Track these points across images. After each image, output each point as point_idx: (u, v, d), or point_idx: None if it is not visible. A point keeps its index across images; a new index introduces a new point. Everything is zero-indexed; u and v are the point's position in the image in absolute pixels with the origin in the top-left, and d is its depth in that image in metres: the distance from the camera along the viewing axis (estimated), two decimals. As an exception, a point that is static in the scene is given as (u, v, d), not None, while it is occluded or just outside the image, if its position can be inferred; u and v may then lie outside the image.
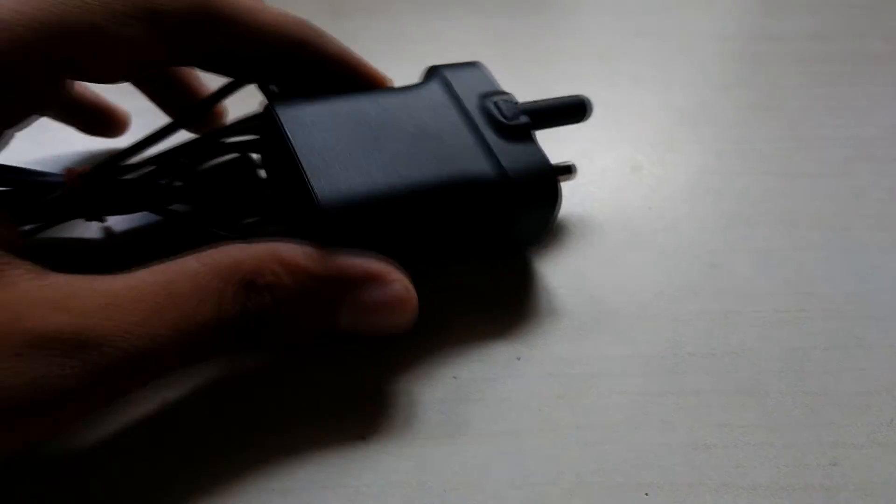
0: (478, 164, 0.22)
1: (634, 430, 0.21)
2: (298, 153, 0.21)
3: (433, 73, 0.25)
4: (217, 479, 0.19)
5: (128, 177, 0.23)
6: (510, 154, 0.23)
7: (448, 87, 0.24)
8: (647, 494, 0.20)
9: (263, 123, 0.23)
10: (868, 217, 0.27)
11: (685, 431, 0.21)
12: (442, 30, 0.35)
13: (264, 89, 0.24)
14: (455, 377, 0.22)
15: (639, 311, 0.24)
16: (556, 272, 0.25)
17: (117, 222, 0.25)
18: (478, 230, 0.23)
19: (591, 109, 0.26)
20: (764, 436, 0.21)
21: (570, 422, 0.21)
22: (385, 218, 0.21)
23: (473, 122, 0.23)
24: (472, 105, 0.24)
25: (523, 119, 0.23)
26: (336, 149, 0.21)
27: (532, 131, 0.23)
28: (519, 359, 0.22)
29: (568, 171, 0.24)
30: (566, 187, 0.24)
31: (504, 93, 0.24)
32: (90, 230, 0.25)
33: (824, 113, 0.31)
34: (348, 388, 0.21)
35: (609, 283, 0.25)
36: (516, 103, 0.24)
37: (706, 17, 0.37)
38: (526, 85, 0.32)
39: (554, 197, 0.23)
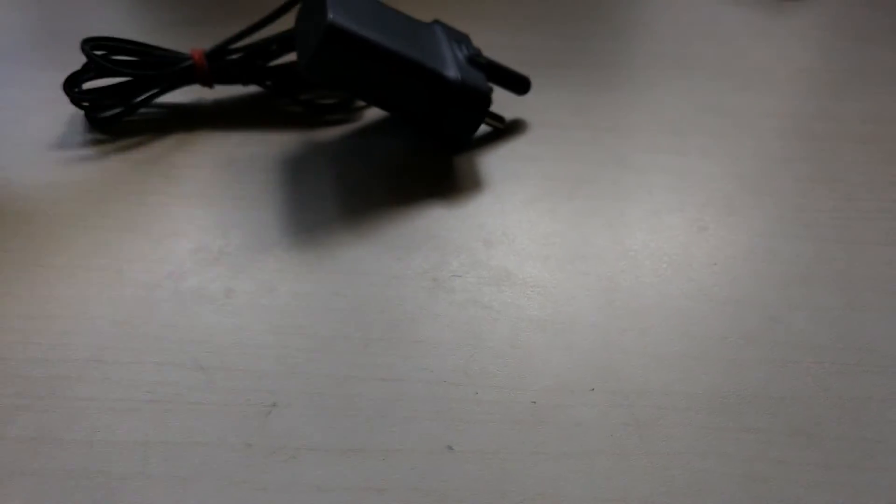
0: (446, 69, 0.32)
1: (697, 460, 0.23)
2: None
3: (438, 22, 0.36)
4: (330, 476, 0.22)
5: (232, 57, 0.36)
6: (469, 75, 0.33)
7: (445, 29, 0.35)
8: (709, 518, 0.21)
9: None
10: (923, 283, 0.29)
11: (745, 464, 0.23)
12: (529, 100, 0.38)
13: None
14: (534, 402, 0.24)
15: (702, 355, 0.26)
16: (628, 313, 0.27)
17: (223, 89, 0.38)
18: (421, 106, 0.32)
19: (529, 88, 0.37)
20: (821, 474, 0.23)
21: (638, 448, 0.23)
22: (370, 57, 0.30)
23: (454, 49, 0.34)
24: (455, 43, 0.35)
25: (483, 60, 0.34)
26: (356, 9, 0.31)
27: (486, 73, 0.35)
28: (592, 390, 0.25)
29: (500, 119, 0.36)
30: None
31: (478, 49, 0.35)
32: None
33: (881, 187, 0.33)
34: (437, 401, 0.24)
35: (675, 327, 0.27)
36: (481, 55, 0.35)
37: (770, 98, 0.39)
38: (605, 149, 0.35)
39: (480, 111, 0.33)
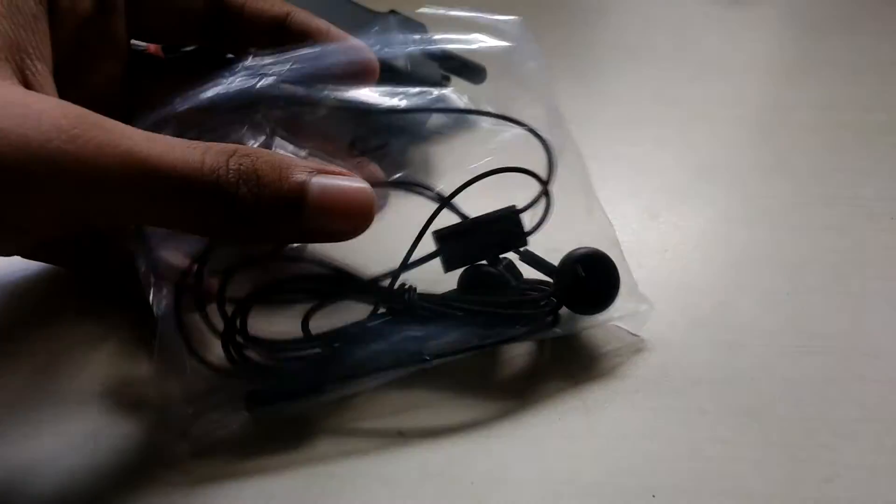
0: (395, 59, 0.30)
1: (643, 441, 0.23)
2: None
3: (394, 12, 0.36)
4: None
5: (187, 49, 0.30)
6: (419, 65, 0.32)
7: (400, 20, 0.35)
8: (653, 497, 0.22)
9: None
10: (867, 267, 0.30)
11: (689, 444, 0.23)
12: (485, 89, 0.39)
13: None
14: (485, 389, 0.25)
15: (652, 338, 0.26)
16: (578, 302, 0.28)
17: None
18: None
19: (485, 77, 0.34)
20: (762, 453, 0.23)
21: (585, 430, 0.24)
22: None
23: (407, 40, 0.29)
24: (410, 34, 0.29)
25: (438, 50, 0.31)
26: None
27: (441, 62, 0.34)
28: (542, 375, 0.25)
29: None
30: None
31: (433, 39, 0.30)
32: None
33: (829, 174, 0.34)
34: (387, 390, 0.24)
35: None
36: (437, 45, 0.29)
37: (724, 88, 0.40)
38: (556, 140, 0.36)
39: None
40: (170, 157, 0.19)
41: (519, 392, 0.24)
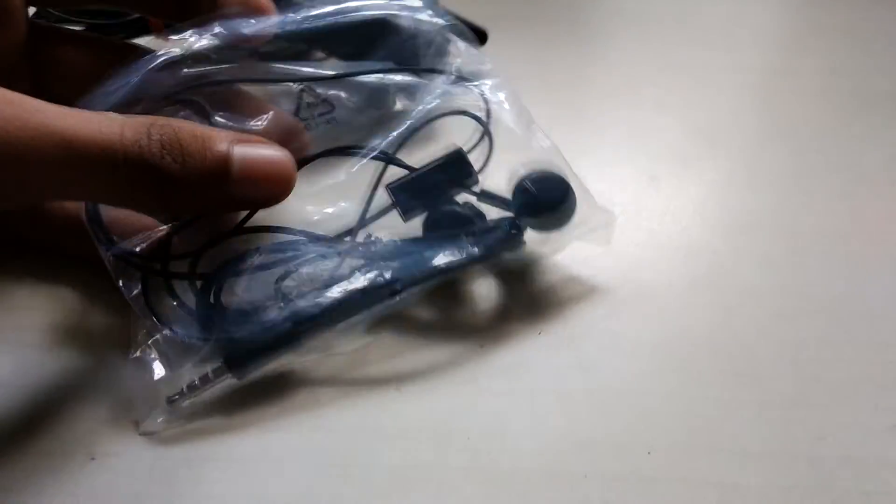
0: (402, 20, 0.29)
1: (639, 399, 0.23)
2: None
3: None
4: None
5: None
6: None
7: None
8: (648, 453, 0.22)
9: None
10: (863, 232, 0.30)
11: (685, 403, 0.23)
12: (486, 52, 0.38)
13: None
14: (482, 346, 0.25)
15: (650, 300, 0.26)
16: (576, 262, 0.28)
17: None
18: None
19: (486, 40, 0.34)
20: (756, 411, 0.23)
21: (581, 388, 0.24)
22: None
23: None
24: None
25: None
26: None
27: None
28: (539, 333, 0.25)
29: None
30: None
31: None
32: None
33: (830, 140, 0.34)
34: (385, 348, 0.25)
35: (623, 274, 0.27)
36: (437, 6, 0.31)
37: (726, 53, 0.40)
38: (560, 104, 0.36)
39: None
40: (86, 130, 0.19)
41: (515, 349, 0.25)
